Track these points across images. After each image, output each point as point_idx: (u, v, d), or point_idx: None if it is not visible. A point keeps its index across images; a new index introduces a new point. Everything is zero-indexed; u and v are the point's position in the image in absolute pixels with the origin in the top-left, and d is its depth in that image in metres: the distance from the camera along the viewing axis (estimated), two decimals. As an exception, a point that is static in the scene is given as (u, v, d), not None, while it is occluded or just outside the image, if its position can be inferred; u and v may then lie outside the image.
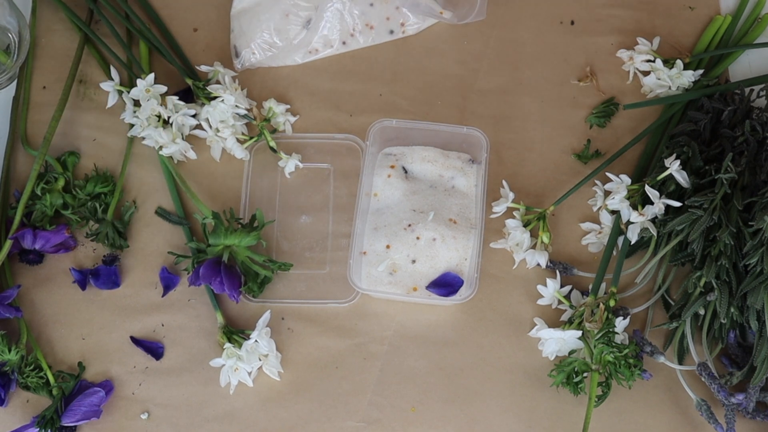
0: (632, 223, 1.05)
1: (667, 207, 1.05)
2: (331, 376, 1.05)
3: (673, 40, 1.19)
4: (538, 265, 1.07)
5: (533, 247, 1.07)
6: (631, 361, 0.98)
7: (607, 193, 1.09)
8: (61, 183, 1.11)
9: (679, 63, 1.15)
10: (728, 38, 1.19)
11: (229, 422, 1.03)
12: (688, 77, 1.14)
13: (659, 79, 1.15)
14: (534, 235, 1.08)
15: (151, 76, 1.12)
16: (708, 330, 1.03)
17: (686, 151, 1.07)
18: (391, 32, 1.21)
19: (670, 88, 1.15)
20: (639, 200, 1.06)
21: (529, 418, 1.02)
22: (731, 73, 1.18)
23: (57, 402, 1.01)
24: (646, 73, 1.17)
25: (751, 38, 1.19)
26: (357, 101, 1.17)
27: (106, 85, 1.14)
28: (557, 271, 1.06)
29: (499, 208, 1.08)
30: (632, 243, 1.05)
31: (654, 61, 1.16)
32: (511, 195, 1.08)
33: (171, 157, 1.12)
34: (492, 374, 1.04)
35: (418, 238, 1.08)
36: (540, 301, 1.06)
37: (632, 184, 1.07)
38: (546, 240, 1.07)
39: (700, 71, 1.15)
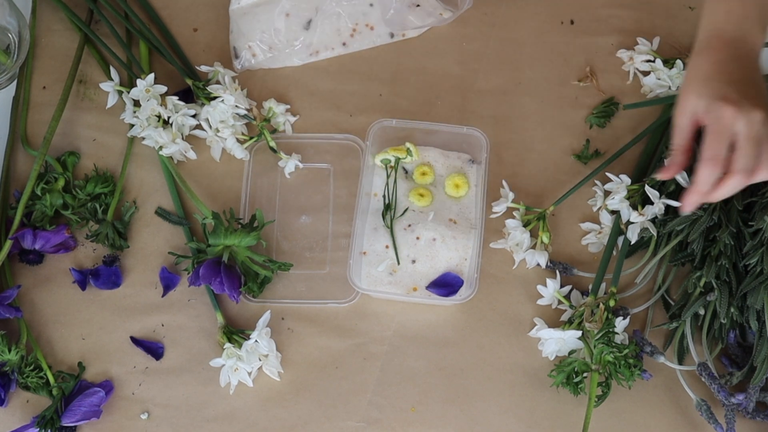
0: (632, 223, 1.05)
1: (667, 207, 1.05)
2: (331, 376, 1.05)
3: (673, 40, 1.19)
4: (538, 265, 1.07)
5: (533, 247, 1.07)
6: (630, 361, 0.98)
7: (607, 193, 1.09)
8: (61, 183, 1.11)
9: (679, 63, 1.15)
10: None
11: (229, 422, 1.03)
12: None
13: (659, 79, 1.15)
14: (534, 235, 1.08)
15: (151, 76, 1.12)
16: (708, 330, 1.03)
17: (686, 151, 1.07)
18: (392, 36, 1.20)
19: (670, 88, 1.15)
20: (639, 200, 1.06)
21: (529, 418, 1.02)
22: (731, 73, 1.18)
23: (57, 402, 1.01)
24: (646, 73, 1.17)
25: (751, 38, 1.19)
26: (357, 101, 1.17)
27: (106, 86, 1.14)
28: (557, 271, 1.06)
29: (499, 208, 1.08)
30: (632, 243, 1.06)
31: (654, 61, 1.16)
32: (511, 195, 1.08)
33: (171, 157, 1.12)
34: (492, 374, 1.04)
35: (418, 238, 1.08)
36: (540, 301, 1.06)
37: (632, 184, 1.07)
38: (546, 240, 1.07)
39: None
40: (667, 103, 1.15)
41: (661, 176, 0.96)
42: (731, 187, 0.88)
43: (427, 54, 1.20)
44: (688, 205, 0.92)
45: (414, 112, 1.16)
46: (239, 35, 1.19)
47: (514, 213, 1.09)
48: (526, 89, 1.18)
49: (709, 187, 0.89)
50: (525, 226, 1.08)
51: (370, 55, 1.20)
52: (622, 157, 1.12)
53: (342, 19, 1.19)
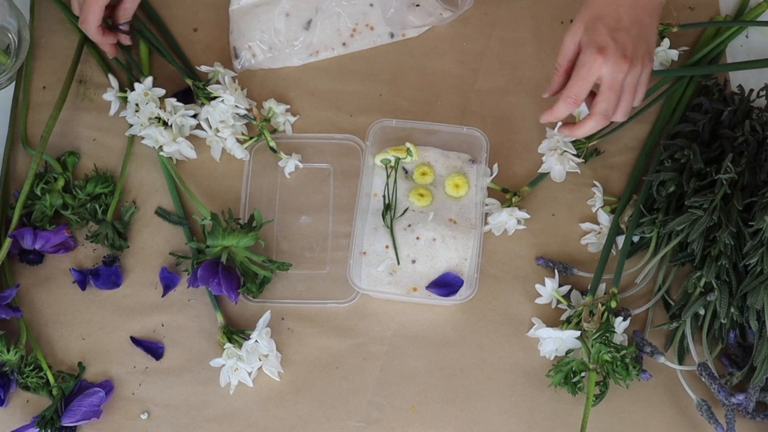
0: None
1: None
2: (331, 376, 1.05)
3: (673, 38, 1.19)
4: (518, 221, 1.08)
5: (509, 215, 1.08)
6: (627, 360, 0.98)
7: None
8: (61, 183, 1.11)
9: (666, 41, 1.16)
10: (728, 39, 1.19)
11: (229, 422, 1.03)
12: (672, 55, 1.16)
13: None
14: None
15: (149, 79, 1.12)
16: (708, 330, 1.03)
17: (687, 153, 1.06)
18: (392, 35, 1.20)
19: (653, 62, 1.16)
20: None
21: (528, 418, 1.02)
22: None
23: (57, 402, 1.01)
24: None
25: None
26: (357, 101, 1.17)
27: (108, 95, 1.14)
28: (555, 270, 1.06)
29: (489, 207, 1.09)
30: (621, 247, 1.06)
31: None
32: (490, 171, 1.09)
33: (171, 156, 1.12)
34: (492, 374, 1.04)
35: (418, 238, 1.08)
36: (538, 300, 1.06)
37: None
38: (515, 201, 1.08)
39: (684, 48, 1.17)
40: (666, 104, 1.15)
41: (545, 95, 1.01)
42: (590, 126, 0.98)
43: (427, 54, 1.20)
44: (543, 120, 1.00)
45: (414, 112, 1.16)
46: (239, 35, 1.19)
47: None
48: (526, 89, 1.18)
49: (563, 116, 0.98)
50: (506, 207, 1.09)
51: (370, 55, 1.20)
52: (621, 157, 1.13)
53: (342, 19, 1.19)
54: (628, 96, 0.97)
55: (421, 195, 1.10)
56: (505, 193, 1.10)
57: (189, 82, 1.14)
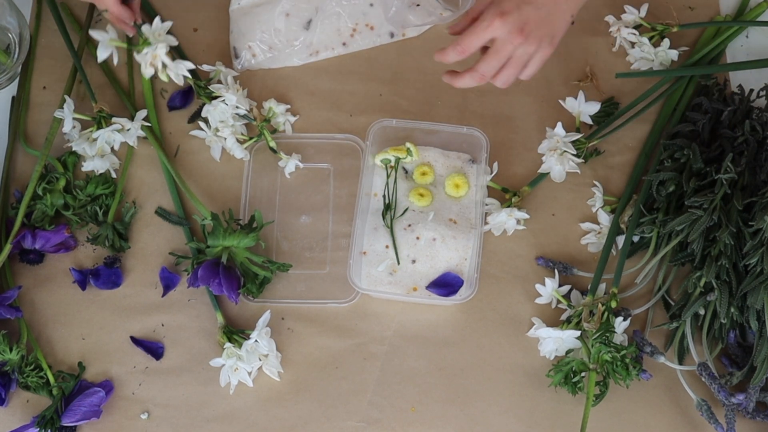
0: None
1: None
2: (331, 376, 1.05)
3: (673, 37, 1.19)
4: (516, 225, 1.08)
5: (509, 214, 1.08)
6: (627, 360, 0.98)
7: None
8: (62, 183, 1.11)
9: (666, 41, 1.16)
10: (728, 39, 1.19)
11: (229, 422, 1.03)
12: (672, 55, 1.16)
13: (643, 52, 1.16)
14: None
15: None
16: (708, 330, 1.03)
17: (687, 153, 1.06)
18: (392, 35, 1.20)
19: (653, 62, 1.16)
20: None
21: (528, 418, 1.02)
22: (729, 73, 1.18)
23: (57, 402, 1.01)
24: (634, 44, 1.18)
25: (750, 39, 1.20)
26: (357, 101, 1.17)
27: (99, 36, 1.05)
28: (556, 270, 1.06)
29: (489, 207, 1.09)
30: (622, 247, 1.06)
31: (640, 27, 1.17)
32: (490, 170, 1.09)
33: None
34: (492, 374, 1.04)
35: (418, 238, 1.08)
36: (538, 300, 1.06)
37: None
38: (514, 200, 1.08)
39: (684, 48, 1.17)
40: (666, 103, 1.15)
41: (447, 30, 1.00)
42: (466, 80, 0.98)
43: (427, 54, 1.20)
44: (436, 58, 0.98)
45: (414, 112, 1.16)
46: (239, 35, 1.19)
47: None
48: (526, 89, 1.17)
49: (451, 61, 0.97)
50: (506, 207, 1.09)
51: (371, 55, 1.20)
52: (621, 157, 1.13)
53: (342, 19, 1.19)
54: (513, 67, 0.97)
55: (421, 195, 1.10)
56: (505, 193, 1.10)
57: (190, 81, 1.14)
